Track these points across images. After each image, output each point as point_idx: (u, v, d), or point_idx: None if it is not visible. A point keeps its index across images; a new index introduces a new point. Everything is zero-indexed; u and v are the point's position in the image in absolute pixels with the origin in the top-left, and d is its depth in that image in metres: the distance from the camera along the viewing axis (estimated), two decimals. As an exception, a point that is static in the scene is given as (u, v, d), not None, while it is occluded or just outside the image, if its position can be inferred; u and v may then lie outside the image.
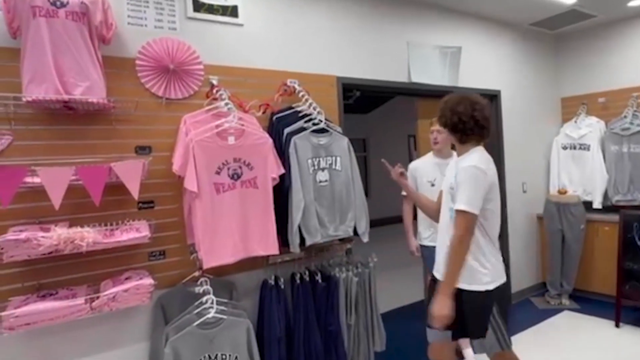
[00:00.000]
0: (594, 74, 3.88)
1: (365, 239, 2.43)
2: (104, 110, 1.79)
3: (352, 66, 2.69)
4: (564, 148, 3.86)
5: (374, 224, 2.59)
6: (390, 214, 3.57)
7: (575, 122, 3.85)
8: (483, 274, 1.74)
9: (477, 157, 1.75)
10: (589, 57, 3.92)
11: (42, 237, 1.54)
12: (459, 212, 1.67)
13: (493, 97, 3.56)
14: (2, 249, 1.49)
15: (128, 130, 1.88)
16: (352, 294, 2.32)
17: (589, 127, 3.74)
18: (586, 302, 3.53)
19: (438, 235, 1.92)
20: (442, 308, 1.66)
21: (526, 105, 3.84)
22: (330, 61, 2.59)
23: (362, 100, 3.05)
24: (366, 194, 2.49)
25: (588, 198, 3.65)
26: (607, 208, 3.53)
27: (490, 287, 1.74)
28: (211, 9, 2.15)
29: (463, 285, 1.72)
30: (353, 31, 2.72)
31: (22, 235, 1.52)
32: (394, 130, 3.92)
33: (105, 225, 1.76)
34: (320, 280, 2.24)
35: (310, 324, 2.16)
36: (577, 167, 3.78)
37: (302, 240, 2.17)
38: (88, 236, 1.61)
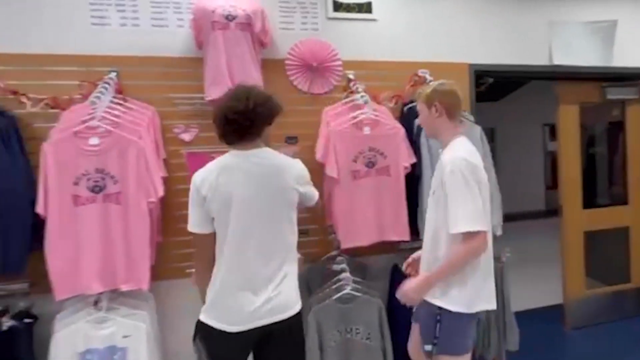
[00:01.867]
0: None
1: (498, 232, 2.32)
2: (262, 105, 2.08)
3: (485, 52, 2.56)
4: None
5: (503, 218, 2.44)
6: (522, 209, 3.30)
7: None
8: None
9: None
10: None
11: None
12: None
13: (659, 76, 2.98)
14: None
15: (279, 123, 2.10)
16: (482, 289, 2.24)
17: None
18: None
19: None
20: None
21: None
22: (462, 48, 2.51)
23: (491, 88, 2.87)
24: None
25: None
26: None
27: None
28: (348, 8, 2.29)
29: None
30: (487, 14, 2.58)
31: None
32: (527, 118, 3.57)
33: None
34: (449, 271, 2.21)
35: (439, 313, 2.16)
36: None
37: (432, 229, 2.18)
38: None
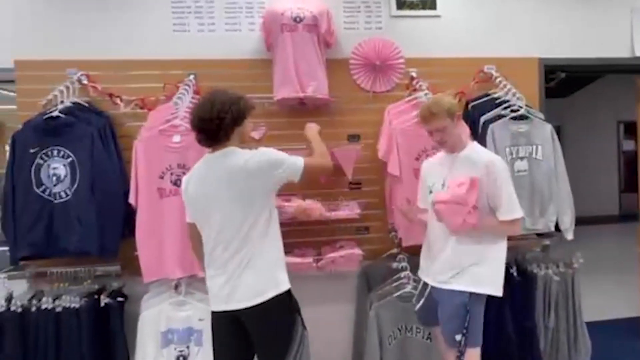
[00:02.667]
0: None
1: (570, 236, 2.21)
2: (326, 104, 2.14)
3: (556, 45, 2.42)
4: None
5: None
6: (594, 213, 3.09)
7: None
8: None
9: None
10: None
11: (287, 205, 1.96)
12: None
13: None
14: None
15: (342, 121, 2.19)
16: (551, 294, 2.15)
17: None
18: None
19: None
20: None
21: None
22: (532, 42, 2.39)
23: (561, 83, 2.71)
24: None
25: None
26: None
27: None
28: (412, 5, 2.28)
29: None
30: (559, 3, 2.43)
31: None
32: (599, 115, 3.31)
33: (324, 200, 2.10)
34: (515, 274, 2.14)
35: (504, 316, 2.09)
36: None
37: (497, 230, 2.13)
38: (317, 208, 1.97)
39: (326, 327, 2.17)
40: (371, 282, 2.14)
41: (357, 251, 2.02)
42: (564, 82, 2.77)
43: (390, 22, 2.26)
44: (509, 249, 2.24)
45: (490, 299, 1.94)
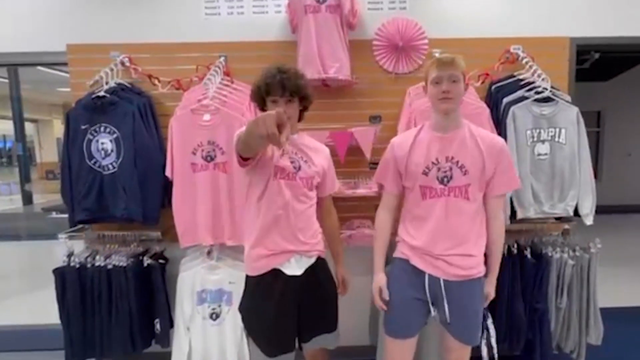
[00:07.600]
0: None
1: (589, 222, 2.20)
2: (348, 86, 2.21)
3: (590, 22, 2.32)
4: None
5: (601, 210, 2.26)
6: (625, 202, 3.01)
7: None
8: None
9: None
10: None
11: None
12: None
13: None
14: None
15: (364, 102, 2.26)
16: (564, 277, 2.19)
17: None
18: None
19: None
20: None
21: None
22: (563, 20, 2.31)
23: (599, 65, 2.59)
24: (595, 177, 2.21)
25: None
26: None
27: None
28: (439, -17, 2.26)
29: None
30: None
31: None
32: (642, 100, 3.16)
33: (344, 179, 2.21)
34: (529, 256, 2.19)
35: (515, 296, 2.17)
36: None
37: (513, 213, 2.17)
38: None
39: (347, 295, 2.34)
40: (389, 255, 2.25)
41: (368, 231, 2.14)
42: (605, 64, 2.64)
43: (415, 2, 2.25)
44: (526, 231, 2.30)
45: (500, 280, 1.99)
